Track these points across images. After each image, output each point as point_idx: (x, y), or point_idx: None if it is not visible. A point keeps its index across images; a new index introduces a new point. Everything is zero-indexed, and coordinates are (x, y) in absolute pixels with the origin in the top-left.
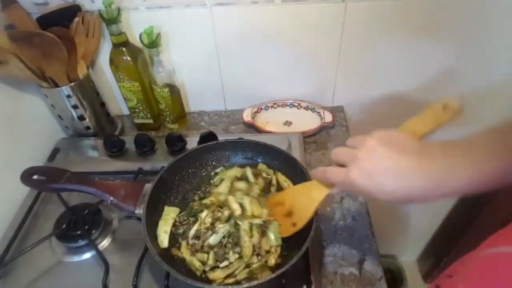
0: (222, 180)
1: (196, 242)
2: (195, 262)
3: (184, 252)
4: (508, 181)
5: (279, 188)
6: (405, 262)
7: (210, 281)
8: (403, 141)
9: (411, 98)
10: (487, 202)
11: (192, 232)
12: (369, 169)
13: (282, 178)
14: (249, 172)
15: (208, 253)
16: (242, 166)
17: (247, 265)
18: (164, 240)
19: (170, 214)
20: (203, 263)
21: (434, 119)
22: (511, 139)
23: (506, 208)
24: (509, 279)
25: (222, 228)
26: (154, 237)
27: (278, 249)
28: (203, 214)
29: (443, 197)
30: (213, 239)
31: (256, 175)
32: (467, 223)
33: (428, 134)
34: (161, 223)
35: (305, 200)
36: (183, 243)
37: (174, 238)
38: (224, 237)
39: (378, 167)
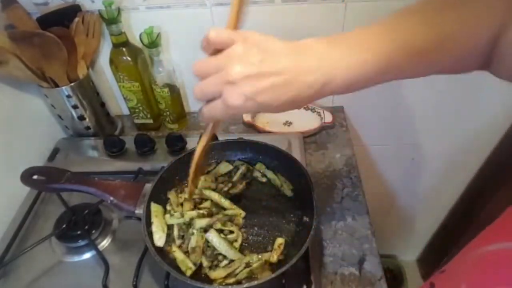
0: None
1: (182, 242)
2: (187, 262)
3: (176, 252)
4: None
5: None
6: (405, 262)
7: (211, 281)
8: (274, 45)
9: (411, 98)
10: (487, 202)
11: (175, 231)
12: (249, 92)
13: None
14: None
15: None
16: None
17: (247, 264)
18: (161, 238)
19: (159, 211)
20: (196, 264)
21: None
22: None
23: (506, 209)
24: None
25: (195, 227)
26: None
27: (282, 246)
28: (187, 210)
29: (331, 94)
30: (192, 240)
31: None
32: (467, 223)
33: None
34: (155, 220)
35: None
36: (173, 244)
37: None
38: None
39: (258, 88)
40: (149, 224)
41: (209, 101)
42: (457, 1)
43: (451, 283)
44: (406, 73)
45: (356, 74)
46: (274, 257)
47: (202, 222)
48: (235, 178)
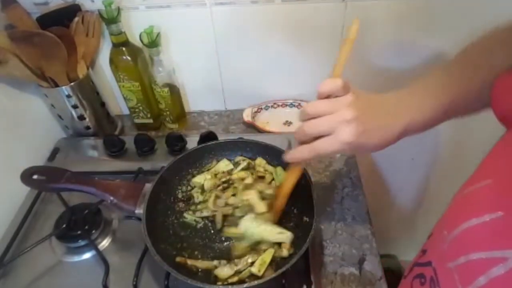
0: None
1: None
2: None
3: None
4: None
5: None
6: (405, 262)
7: (216, 280)
8: (371, 97)
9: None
10: None
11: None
12: (361, 127)
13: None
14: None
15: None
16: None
17: (252, 264)
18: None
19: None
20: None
21: (344, 50)
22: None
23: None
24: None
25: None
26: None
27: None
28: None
29: (409, 135)
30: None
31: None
32: None
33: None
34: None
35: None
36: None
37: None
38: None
39: (365, 128)
40: (154, 225)
41: (302, 142)
42: (493, 47)
43: (436, 237)
44: (462, 113)
45: (429, 118)
46: (284, 251)
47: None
48: (236, 171)
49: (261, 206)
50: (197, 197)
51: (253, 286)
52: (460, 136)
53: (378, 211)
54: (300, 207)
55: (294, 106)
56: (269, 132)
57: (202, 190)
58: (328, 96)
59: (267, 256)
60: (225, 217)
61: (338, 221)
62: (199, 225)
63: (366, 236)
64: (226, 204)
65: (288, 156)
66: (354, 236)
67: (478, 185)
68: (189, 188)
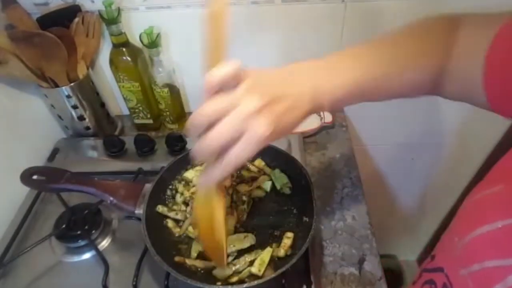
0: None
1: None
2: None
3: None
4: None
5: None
6: (405, 262)
7: (216, 280)
8: (270, 74)
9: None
10: None
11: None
12: (272, 113)
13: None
14: None
15: None
16: None
17: (251, 262)
18: None
19: None
20: None
21: (212, 28)
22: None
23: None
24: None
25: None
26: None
27: (290, 241)
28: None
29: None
30: None
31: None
32: None
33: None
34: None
35: (210, 229)
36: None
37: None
38: None
39: (278, 112)
40: (154, 225)
41: (215, 156)
42: (414, 35)
43: (446, 243)
44: (372, 97)
45: (334, 96)
46: (281, 251)
47: None
48: None
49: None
50: (182, 191)
51: (253, 286)
52: (460, 136)
53: (378, 211)
54: (300, 207)
55: None
56: None
57: (186, 183)
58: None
59: (265, 256)
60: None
61: (338, 221)
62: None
63: (366, 236)
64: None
65: (202, 184)
66: (354, 236)
67: (489, 191)
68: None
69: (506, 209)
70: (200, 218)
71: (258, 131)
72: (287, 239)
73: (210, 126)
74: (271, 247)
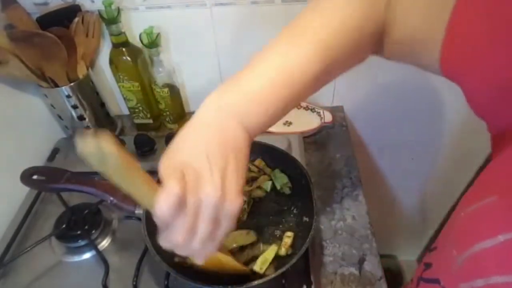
0: None
1: None
2: None
3: None
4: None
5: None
6: (405, 262)
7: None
8: (189, 141)
9: (411, 97)
10: None
11: None
12: (235, 185)
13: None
14: None
15: None
16: None
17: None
18: None
19: None
20: None
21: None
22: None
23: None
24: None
25: None
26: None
27: (290, 240)
28: None
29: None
30: None
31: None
32: None
33: None
34: None
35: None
36: None
37: None
38: None
39: (234, 178)
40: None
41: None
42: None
43: (443, 255)
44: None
45: (265, 115)
46: (282, 250)
47: None
48: None
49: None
50: None
51: (253, 286)
52: (460, 136)
53: (378, 211)
54: (300, 207)
55: None
56: (269, 132)
57: None
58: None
59: (269, 254)
60: None
61: (338, 221)
62: None
63: (366, 236)
64: None
65: (200, 259)
66: (354, 236)
67: (482, 202)
68: None
69: (505, 222)
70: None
71: (230, 210)
72: (288, 238)
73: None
74: (277, 245)
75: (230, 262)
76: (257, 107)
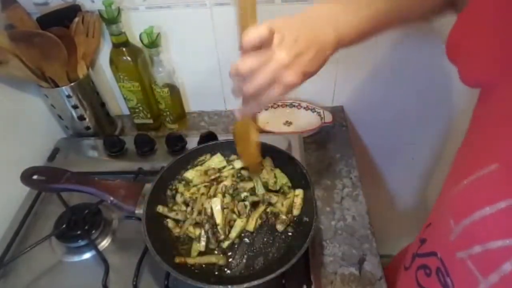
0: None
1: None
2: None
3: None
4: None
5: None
6: None
7: (216, 281)
8: (295, 25)
9: (411, 97)
10: None
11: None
12: (301, 66)
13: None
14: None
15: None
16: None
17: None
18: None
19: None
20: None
21: None
22: None
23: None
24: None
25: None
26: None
27: (300, 199)
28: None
29: (343, 47)
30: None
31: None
32: None
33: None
34: None
35: (248, 144)
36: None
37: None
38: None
39: (305, 62)
40: (154, 225)
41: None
42: None
43: (438, 228)
44: (390, 26)
45: (358, 29)
46: (294, 210)
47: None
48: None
49: (238, 163)
50: (182, 192)
51: (253, 286)
52: (460, 137)
53: (378, 211)
54: (300, 207)
55: (294, 106)
56: (269, 132)
57: (186, 183)
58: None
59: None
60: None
61: (338, 221)
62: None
63: (366, 236)
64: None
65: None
66: (354, 236)
67: (483, 171)
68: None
69: (507, 189)
70: (238, 132)
71: (286, 81)
72: (297, 198)
73: (251, 73)
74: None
75: (253, 143)
76: (350, 21)
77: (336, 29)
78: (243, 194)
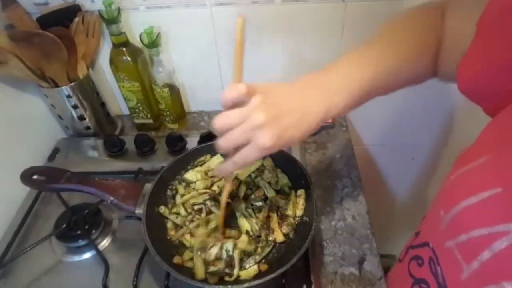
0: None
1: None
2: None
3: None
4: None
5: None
6: None
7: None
8: (281, 90)
9: (411, 97)
10: None
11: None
12: (277, 128)
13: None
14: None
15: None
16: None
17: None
18: None
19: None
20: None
21: (236, 53)
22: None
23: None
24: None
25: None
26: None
27: (303, 199)
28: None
29: (332, 117)
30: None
31: None
32: None
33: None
34: None
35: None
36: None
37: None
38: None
39: (283, 126)
40: (154, 225)
41: (227, 155)
42: (407, 27)
43: (431, 219)
44: (381, 93)
45: (348, 100)
46: (297, 212)
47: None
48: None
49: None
50: (182, 193)
51: (253, 286)
52: (460, 136)
53: (378, 211)
54: (303, 208)
55: None
56: None
57: (187, 184)
58: (235, 105)
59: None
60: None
61: (338, 221)
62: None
63: (366, 236)
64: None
65: (217, 173)
66: (354, 236)
67: (473, 164)
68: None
69: (491, 180)
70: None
71: (261, 141)
72: (300, 198)
73: (227, 130)
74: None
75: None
76: (343, 91)
77: (327, 98)
78: (259, 204)
